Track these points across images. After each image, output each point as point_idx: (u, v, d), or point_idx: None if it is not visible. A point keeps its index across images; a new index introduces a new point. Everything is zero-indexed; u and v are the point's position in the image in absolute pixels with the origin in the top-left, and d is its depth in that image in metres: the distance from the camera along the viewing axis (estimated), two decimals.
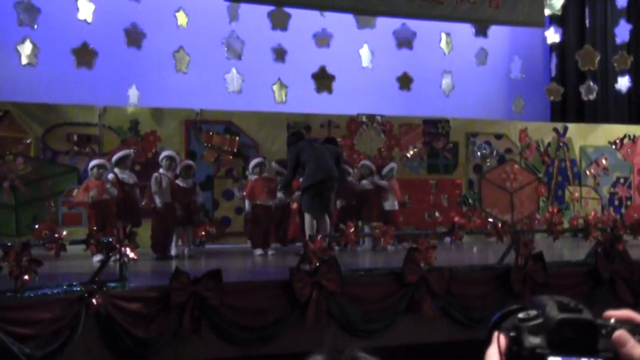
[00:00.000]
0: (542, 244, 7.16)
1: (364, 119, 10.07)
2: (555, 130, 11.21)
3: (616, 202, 11.33)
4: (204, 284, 4.89)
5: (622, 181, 11.43)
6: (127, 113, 9.14)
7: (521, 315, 0.79)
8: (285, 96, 10.17)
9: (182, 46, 9.76)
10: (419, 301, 5.54)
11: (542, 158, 11.00)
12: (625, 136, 11.46)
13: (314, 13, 10.10)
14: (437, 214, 10.28)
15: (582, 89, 11.64)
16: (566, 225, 7.16)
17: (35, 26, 9.06)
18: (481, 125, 10.81)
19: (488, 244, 8.68)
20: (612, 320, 0.80)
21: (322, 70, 10.19)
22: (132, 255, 4.96)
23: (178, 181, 7.74)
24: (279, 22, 9.90)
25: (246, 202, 8.18)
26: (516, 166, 10.82)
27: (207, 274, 4.94)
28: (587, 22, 13.17)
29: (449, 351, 5.72)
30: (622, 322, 0.79)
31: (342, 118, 9.97)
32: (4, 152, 8.39)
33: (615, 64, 11.60)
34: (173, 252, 7.62)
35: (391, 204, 8.86)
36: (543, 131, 11.12)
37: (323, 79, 10.19)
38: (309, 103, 9.99)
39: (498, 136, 10.79)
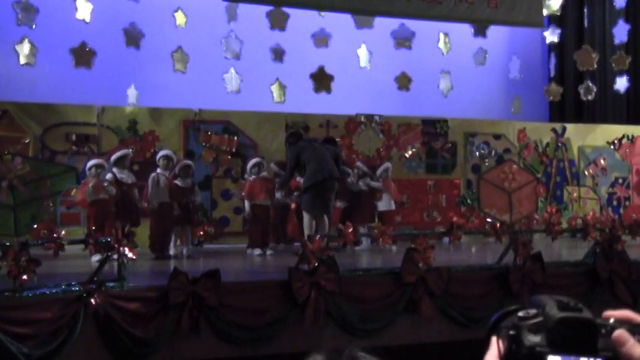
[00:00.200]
0: (541, 244, 7.16)
1: (363, 119, 10.07)
2: (554, 130, 11.22)
3: (614, 203, 11.34)
4: (203, 284, 4.89)
5: (620, 181, 11.44)
6: (125, 113, 9.13)
7: (520, 313, 0.79)
8: (284, 96, 10.17)
9: (180, 46, 9.77)
10: (417, 301, 5.54)
11: (540, 158, 11.01)
12: (623, 137, 11.46)
13: (312, 13, 10.11)
14: (435, 214, 10.28)
15: (581, 89, 11.65)
16: (564, 225, 7.15)
17: (33, 26, 9.06)
18: (479, 125, 10.82)
19: (486, 244, 8.69)
20: (611, 320, 0.80)
21: (321, 70, 10.20)
22: (130, 255, 4.96)
23: (177, 181, 7.74)
24: (278, 22, 9.91)
25: (246, 203, 8.18)
26: (515, 166, 10.82)
27: (205, 274, 4.94)
28: (585, 22, 13.18)
29: (447, 351, 5.73)
30: (621, 322, 0.80)
31: (341, 118, 9.97)
32: (2, 152, 8.37)
33: (614, 65, 11.61)
34: (171, 252, 7.62)
35: (386, 204, 8.84)
36: (542, 131, 11.12)
37: (322, 79, 10.20)
38: (308, 103, 10.00)
39: (497, 136, 10.80)
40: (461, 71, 11.20)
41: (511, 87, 12.26)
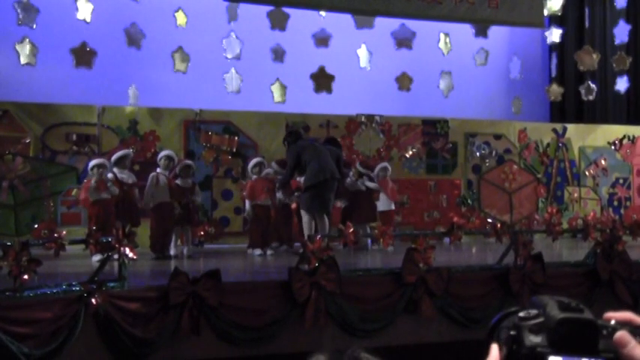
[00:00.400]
0: (542, 245, 7.16)
1: (363, 119, 10.07)
2: (554, 130, 11.21)
3: (615, 203, 11.33)
4: (203, 284, 4.89)
5: (621, 181, 11.44)
6: (126, 113, 9.13)
7: (521, 314, 0.79)
8: (284, 96, 10.18)
9: (181, 46, 9.77)
10: (417, 301, 5.54)
11: (541, 159, 11.00)
12: (624, 137, 11.46)
13: (313, 14, 10.10)
14: (436, 214, 10.28)
15: (582, 90, 11.65)
16: (565, 225, 7.16)
17: (34, 26, 9.07)
18: (480, 125, 10.81)
19: (487, 245, 8.69)
20: (613, 321, 0.80)
21: (321, 70, 10.20)
22: (131, 255, 4.96)
23: (177, 181, 7.74)
24: (278, 22, 9.91)
25: (246, 203, 8.19)
26: (515, 166, 10.82)
27: (206, 274, 4.94)
28: (586, 22, 13.18)
29: (447, 351, 5.73)
30: (622, 324, 0.79)
31: (341, 118, 9.97)
32: (3, 152, 8.38)
33: (614, 65, 11.61)
34: (172, 252, 7.62)
35: (385, 204, 8.83)
36: (542, 132, 11.12)
37: (322, 79, 10.19)
38: (308, 103, 10.00)
39: (497, 137, 10.80)
40: (461, 71, 11.20)
41: (512, 87, 12.26)
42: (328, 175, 7.58)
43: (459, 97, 11.17)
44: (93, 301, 4.55)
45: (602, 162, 11.29)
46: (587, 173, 11.24)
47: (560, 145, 11.13)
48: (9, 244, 4.56)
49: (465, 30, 10.97)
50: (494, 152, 10.74)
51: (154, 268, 6.80)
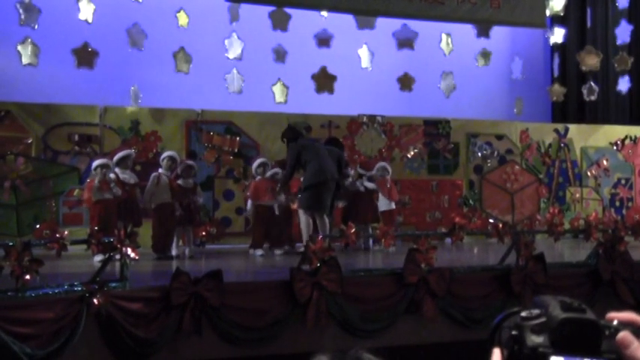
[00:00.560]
0: (543, 245, 7.15)
1: (365, 120, 10.07)
2: (556, 130, 11.20)
3: (617, 203, 11.31)
4: (205, 284, 4.89)
5: (623, 182, 11.42)
6: (127, 113, 9.14)
7: (523, 314, 0.79)
8: (286, 96, 10.17)
9: (183, 47, 9.77)
10: (419, 302, 5.54)
11: (543, 159, 11.00)
12: (626, 137, 11.44)
13: (314, 14, 10.10)
14: (437, 214, 10.27)
15: (584, 90, 11.63)
16: (567, 226, 7.15)
17: (36, 26, 9.07)
18: (482, 126, 10.81)
19: (488, 245, 8.69)
20: (615, 322, 0.80)
21: (323, 70, 10.19)
22: (133, 255, 4.97)
23: (179, 181, 7.74)
24: (280, 23, 9.91)
25: (249, 203, 8.18)
26: (517, 166, 10.81)
27: (207, 275, 4.94)
28: (588, 22, 13.16)
29: (449, 352, 5.72)
30: (625, 324, 0.79)
31: (343, 119, 9.97)
32: (5, 152, 8.40)
33: (616, 65, 11.60)
34: (174, 252, 7.62)
35: (385, 204, 8.82)
36: (544, 132, 11.11)
37: (324, 80, 10.19)
38: (310, 103, 9.99)
39: (499, 137, 10.79)
40: (463, 72, 11.19)
41: (513, 87, 12.25)
42: (328, 176, 7.58)
43: (460, 97, 11.16)
44: (95, 301, 4.55)
45: (604, 162, 11.27)
46: (589, 174, 11.23)
47: (562, 145, 11.12)
48: (11, 244, 4.56)
49: (467, 30, 10.95)
50: (495, 152, 10.73)
51: (156, 269, 6.81)
